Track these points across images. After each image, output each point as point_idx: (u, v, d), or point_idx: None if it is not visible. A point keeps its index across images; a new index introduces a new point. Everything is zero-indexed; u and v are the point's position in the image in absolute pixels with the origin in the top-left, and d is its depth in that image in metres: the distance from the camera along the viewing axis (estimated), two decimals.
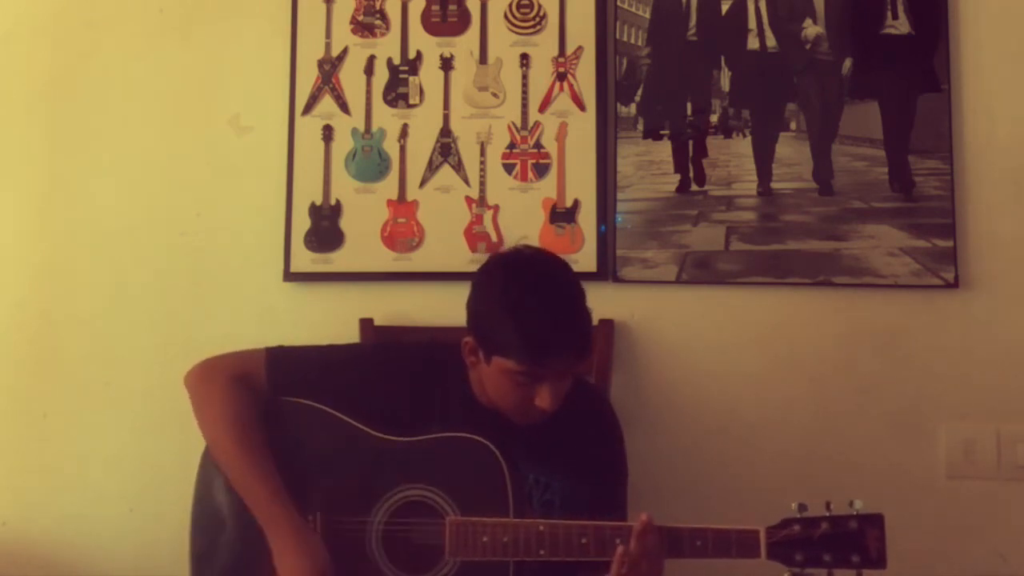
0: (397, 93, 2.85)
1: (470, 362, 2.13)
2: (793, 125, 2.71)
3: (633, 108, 2.77)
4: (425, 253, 2.80)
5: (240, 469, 2.12)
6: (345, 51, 2.87)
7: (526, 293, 2.02)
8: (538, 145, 2.78)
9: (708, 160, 2.73)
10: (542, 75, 2.80)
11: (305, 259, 2.83)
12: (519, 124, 2.79)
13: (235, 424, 2.13)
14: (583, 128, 2.77)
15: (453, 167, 2.81)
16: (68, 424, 2.90)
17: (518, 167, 2.79)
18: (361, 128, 2.85)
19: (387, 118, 2.85)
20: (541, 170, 2.78)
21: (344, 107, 2.86)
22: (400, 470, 2.09)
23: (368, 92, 2.86)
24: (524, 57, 2.81)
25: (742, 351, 2.68)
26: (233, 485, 2.13)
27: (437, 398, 2.18)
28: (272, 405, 2.18)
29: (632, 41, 2.79)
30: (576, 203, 2.75)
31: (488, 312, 2.06)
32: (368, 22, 2.88)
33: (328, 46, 2.88)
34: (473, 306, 2.10)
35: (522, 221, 2.76)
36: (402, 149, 2.83)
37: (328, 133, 2.85)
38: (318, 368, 2.22)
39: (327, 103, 2.86)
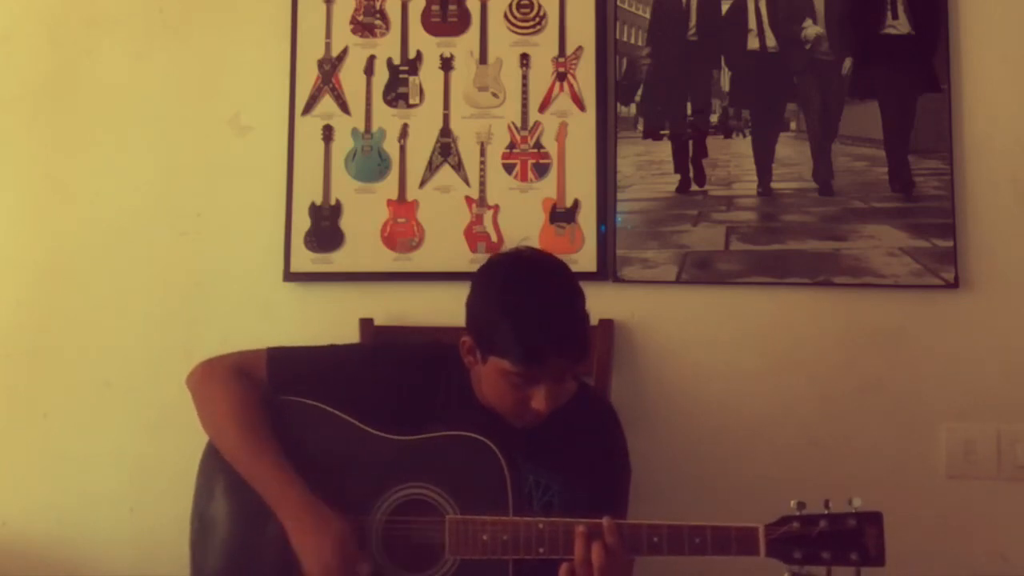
0: (397, 93, 2.85)
1: (468, 362, 2.14)
2: (793, 125, 2.71)
3: (633, 108, 2.77)
4: (425, 253, 2.79)
5: (247, 459, 2.12)
6: (345, 51, 2.87)
7: (523, 294, 2.03)
8: (538, 145, 2.78)
9: (708, 160, 2.73)
10: (542, 75, 2.80)
11: (305, 259, 2.83)
12: (519, 124, 2.79)
13: (239, 412, 2.14)
14: (583, 128, 2.77)
15: (453, 167, 2.81)
16: (68, 424, 2.90)
17: (518, 167, 2.79)
18: (361, 128, 2.85)
19: (387, 118, 2.85)
20: (541, 170, 2.78)
21: (344, 107, 2.86)
22: (400, 468, 2.09)
23: (368, 92, 2.86)
24: (524, 57, 2.81)
25: (742, 351, 2.68)
26: (240, 473, 2.13)
27: (437, 398, 2.19)
28: (273, 404, 2.18)
29: (632, 41, 2.79)
30: (576, 203, 2.75)
31: (485, 313, 2.06)
32: (368, 22, 2.88)
33: (328, 46, 2.88)
34: (471, 306, 2.11)
35: (522, 221, 2.76)
36: (402, 149, 2.83)
37: (328, 133, 2.85)
38: (319, 367, 2.23)
39: (327, 103, 2.86)
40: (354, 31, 2.88)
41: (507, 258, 2.15)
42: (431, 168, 2.82)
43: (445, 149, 2.81)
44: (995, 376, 2.59)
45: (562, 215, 2.75)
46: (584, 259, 2.71)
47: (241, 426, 2.14)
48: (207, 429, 2.20)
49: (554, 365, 2.02)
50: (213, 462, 2.21)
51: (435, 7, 2.86)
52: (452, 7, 2.84)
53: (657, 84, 2.77)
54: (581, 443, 2.17)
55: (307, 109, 2.86)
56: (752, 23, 2.74)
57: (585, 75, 2.78)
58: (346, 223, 2.83)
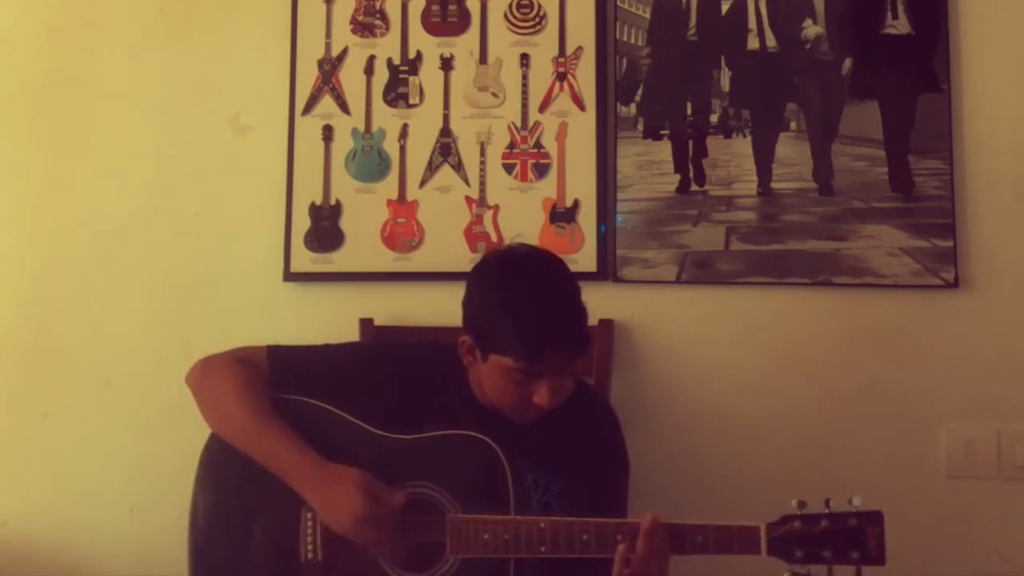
0: (397, 93, 2.85)
1: (467, 362, 2.14)
2: (793, 125, 2.71)
3: (633, 108, 2.77)
4: (425, 253, 2.80)
5: (254, 436, 2.12)
6: (345, 51, 2.87)
7: (521, 290, 2.03)
8: (538, 145, 2.78)
9: (708, 160, 2.73)
10: (542, 75, 2.80)
11: (305, 259, 2.83)
12: (519, 124, 2.80)
13: (243, 394, 2.14)
14: (583, 128, 2.77)
15: (453, 167, 2.81)
16: (68, 424, 2.90)
17: (518, 167, 2.79)
18: (361, 128, 2.85)
19: (387, 118, 2.85)
20: (541, 170, 2.78)
21: (344, 107, 2.86)
22: (401, 467, 2.08)
23: (368, 92, 2.86)
24: (524, 57, 2.81)
25: (742, 351, 2.68)
26: (249, 453, 2.12)
27: (437, 397, 2.18)
28: (272, 402, 2.17)
29: (632, 41, 2.79)
30: (576, 203, 2.75)
31: (484, 310, 2.06)
32: (368, 22, 2.88)
33: (328, 46, 2.88)
34: (469, 305, 2.11)
35: (522, 221, 2.76)
36: (402, 149, 2.83)
37: (328, 133, 2.85)
38: (319, 365, 2.23)
39: (327, 103, 2.86)
40: (354, 31, 2.88)
41: (501, 255, 2.15)
42: (431, 168, 2.82)
43: (445, 149, 2.81)
44: (995, 376, 2.59)
45: (562, 215, 2.75)
46: (584, 259, 2.71)
47: (247, 406, 2.13)
48: (211, 418, 2.20)
49: (555, 359, 2.02)
50: (213, 460, 2.21)
51: (435, 7, 2.86)
52: (452, 7, 2.85)
53: (657, 84, 2.77)
54: (580, 443, 2.17)
55: (307, 109, 2.86)
56: (752, 23, 2.74)
57: (585, 75, 2.78)
58: (346, 223, 2.83)
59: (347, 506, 2.01)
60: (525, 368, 2.00)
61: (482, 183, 2.79)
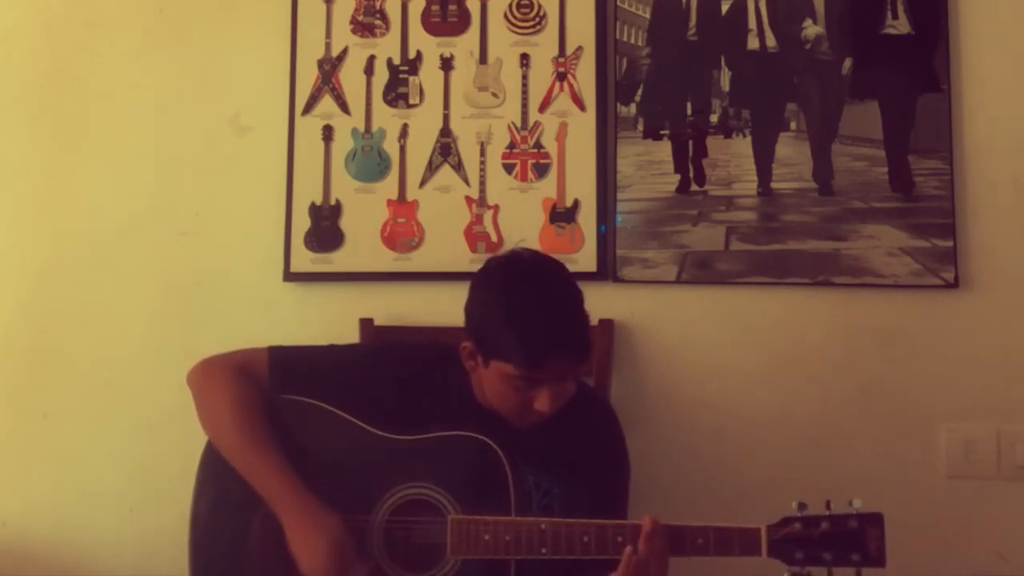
0: (397, 93, 2.85)
1: (469, 366, 2.13)
2: (793, 125, 2.71)
3: (633, 108, 2.77)
4: (425, 253, 2.79)
5: (246, 457, 2.12)
6: (345, 51, 2.87)
7: (524, 297, 2.03)
8: (538, 145, 2.78)
9: (708, 160, 2.73)
10: (542, 75, 2.80)
11: (305, 259, 2.83)
12: (519, 124, 2.79)
13: (239, 413, 2.14)
14: (583, 128, 2.77)
15: (453, 167, 2.81)
16: (68, 424, 2.90)
17: (518, 167, 2.79)
18: (361, 128, 2.85)
19: (387, 118, 2.85)
20: (541, 170, 2.78)
21: (344, 107, 2.86)
22: (402, 468, 2.09)
23: (368, 92, 2.86)
24: (524, 57, 2.81)
25: (742, 351, 2.68)
26: (240, 473, 2.13)
27: (438, 398, 2.18)
28: (274, 403, 2.18)
29: (632, 41, 2.79)
30: (576, 203, 2.75)
31: (486, 317, 2.06)
32: (368, 22, 2.88)
33: (328, 46, 2.88)
34: (471, 311, 2.10)
35: (522, 221, 2.76)
36: (402, 149, 2.83)
37: (328, 133, 2.85)
38: (320, 367, 2.23)
39: (327, 103, 2.86)
40: (354, 31, 2.88)
41: (505, 261, 2.14)
42: (431, 168, 2.82)
43: (445, 149, 2.81)
44: (995, 376, 2.59)
45: (562, 215, 2.75)
46: (584, 259, 2.72)
47: (241, 429, 2.14)
48: (206, 429, 2.20)
49: (557, 367, 2.01)
50: (213, 461, 2.21)
51: (435, 7, 2.86)
52: (452, 7, 2.84)
53: (657, 84, 2.77)
54: (581, 445, 2.16)
55: (307, 109, 2.86)
56: (752, 23, 2.74)
57: (585, 75, 2.78)
58: (346, 223, 2.83)
59: (314, 555, 2.03)
60: (526, 375, 2.00)
61: (482, 183, 2.79)
